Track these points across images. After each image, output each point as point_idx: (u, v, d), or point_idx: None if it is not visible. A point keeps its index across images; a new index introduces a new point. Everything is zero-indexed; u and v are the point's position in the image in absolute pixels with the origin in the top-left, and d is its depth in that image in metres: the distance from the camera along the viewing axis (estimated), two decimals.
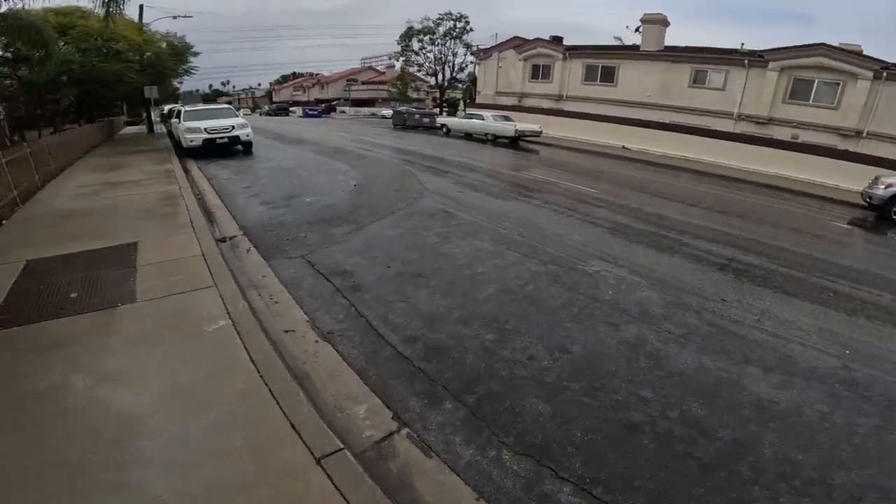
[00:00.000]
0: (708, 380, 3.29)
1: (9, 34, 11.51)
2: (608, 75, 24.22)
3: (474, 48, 35.12)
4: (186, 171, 11.58)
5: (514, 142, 20.19)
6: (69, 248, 5.35)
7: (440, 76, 36.65)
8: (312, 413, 2.71)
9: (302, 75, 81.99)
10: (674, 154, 17.85)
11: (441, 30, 34.81)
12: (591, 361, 3.45)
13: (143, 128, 25.16)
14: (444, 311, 4.13)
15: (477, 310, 4.16)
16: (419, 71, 37.18)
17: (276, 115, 50.96)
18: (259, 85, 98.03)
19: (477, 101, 33.69)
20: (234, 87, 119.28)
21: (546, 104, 26.89)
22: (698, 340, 3.80)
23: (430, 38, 35.07)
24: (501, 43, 31.28)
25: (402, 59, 36.21)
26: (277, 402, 2.76)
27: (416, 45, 35.61)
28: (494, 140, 20.28)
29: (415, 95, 57.58)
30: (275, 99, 75.09)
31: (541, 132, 20.89)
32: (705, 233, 7.13)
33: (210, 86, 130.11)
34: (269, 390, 2.87)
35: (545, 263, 5.29)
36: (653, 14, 22.45)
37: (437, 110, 36.07)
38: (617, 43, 28.64)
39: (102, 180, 9.68)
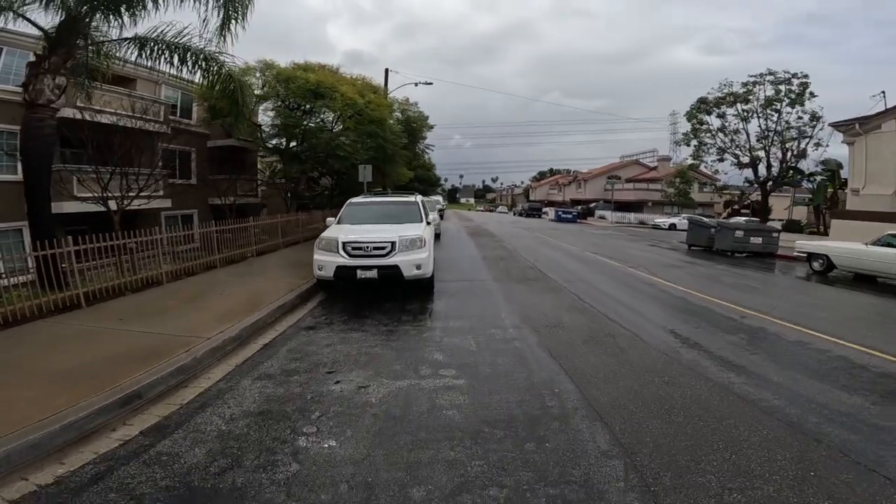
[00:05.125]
0: None
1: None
2: None
3: (822, 119, 21.54)
4: (262, 327, 5.08)
5: None
6: None
7: (761, 166, 23.90)
8: None
9: (559, 172, 79.92)
10: None
11: (761, 95, 22.83)
12: None
13: None
14: None
15: None
16: (719, 160, 25.11)
17: (528, 215, 47.28)
18: (522, 183, 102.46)
19: (848, 205, 19.74)
20: (501, 183, 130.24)
21: None
22: None
23: (743, 111, 23.32)
24: None
25: (693, 142, 25.25)
26: None
27: (715, 121, 24.34)
28: None
29: (699, 198, 44.75)
30: (531, 197, 74.41)
31: None
32: None
33: (483, 181, 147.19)
34: None
35: None
36: None
37: (764, 223, 23.07)
38: None
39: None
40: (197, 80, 9.25)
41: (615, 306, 7.10)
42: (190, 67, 8.48)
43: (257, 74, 15.54)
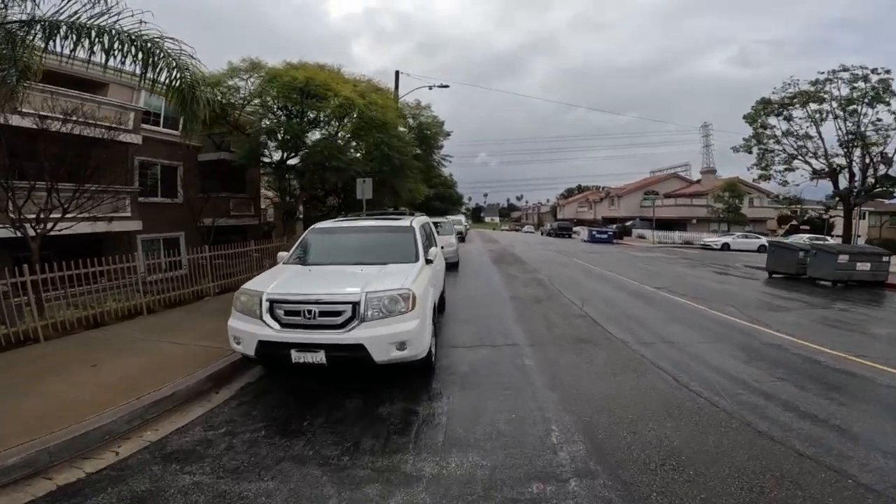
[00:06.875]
0: None
1: None
2: None
3: None
4: (90, 444, 2.29)
5: None
6: None
7: (843, 175, 20.03)
8: None
9: (587, 188, 75.92)
10: None
11: (835, 92, 19.21)
12: None
13: None
14: None
15: None
16: (787, 169, 21.22)
17: (558, 235, 43.89)
18: (548, 201, 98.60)
19: None
20: (526, 201, 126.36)
21: None
22: None
23: (817, 112, 19.65)
24: None
25: (755, 149, 21.53)
26: None
27: (781, 124, 20.67)
28: None
29: (750, 213, 40.39)
30: (559, 215, 70.69)
31: None
32: None
33: (507, 199, 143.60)
34: None
35: None
36: None
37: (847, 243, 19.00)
38: None
39: None
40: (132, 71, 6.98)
41: (750, 399, 4.00)
42: (120, 57, 6.24)
43: (244, 76, 13.40)
